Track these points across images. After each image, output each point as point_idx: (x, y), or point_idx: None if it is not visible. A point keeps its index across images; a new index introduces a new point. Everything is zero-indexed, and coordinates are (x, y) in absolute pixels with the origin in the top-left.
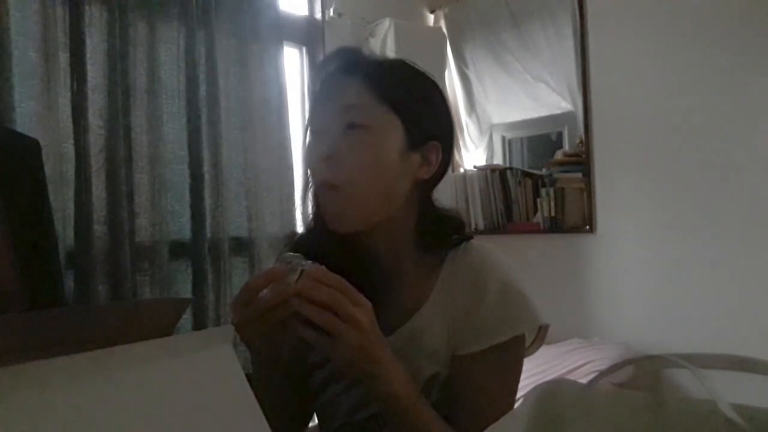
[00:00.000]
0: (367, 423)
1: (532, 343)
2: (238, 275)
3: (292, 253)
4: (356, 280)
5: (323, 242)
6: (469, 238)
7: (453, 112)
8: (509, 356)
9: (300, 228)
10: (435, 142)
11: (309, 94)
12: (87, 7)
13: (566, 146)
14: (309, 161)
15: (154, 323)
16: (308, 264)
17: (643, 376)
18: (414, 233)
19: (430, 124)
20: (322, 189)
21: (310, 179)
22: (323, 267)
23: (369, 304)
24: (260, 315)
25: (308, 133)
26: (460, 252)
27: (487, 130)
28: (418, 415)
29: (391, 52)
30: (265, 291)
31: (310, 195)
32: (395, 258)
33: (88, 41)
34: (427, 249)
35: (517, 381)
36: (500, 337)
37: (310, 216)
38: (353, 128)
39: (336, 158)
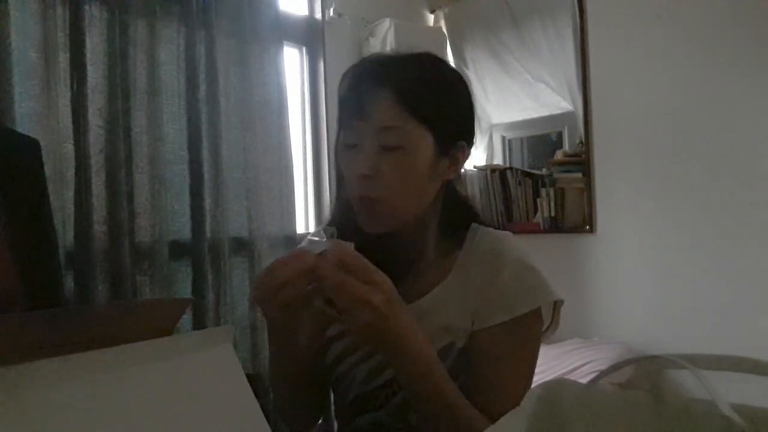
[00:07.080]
0: (381, 390)
1: (547, 328)
2: (238, 275)
3: (325, 228)
4: (379, 260)
5: (351, 228)
6: (488, 224)
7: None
8: (527, 331)
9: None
10: (462, 141)
11: (339, 98)
12: (87, 7)
13: (566, 146)
14: (347, 175)
15: (154, 323)
16: (333, 242)
17: (643, 376)
18: (437, 221)
19: (458, 127)
20: (360, 201)
21: (345, 185)
22: (346, 245)
23: (386, 281)
24: (278, 288)
25: (341, 140)
26: (478, 236)
27: (487, 130)
28: (432, 382)
29: None
30: (284, 264)
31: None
32: (419, 243)
33: (88, 41)
34: (448, 234)
35: (535, 357)
36: (518, 310)
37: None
38: (388, 149)
39: (374, 178)
